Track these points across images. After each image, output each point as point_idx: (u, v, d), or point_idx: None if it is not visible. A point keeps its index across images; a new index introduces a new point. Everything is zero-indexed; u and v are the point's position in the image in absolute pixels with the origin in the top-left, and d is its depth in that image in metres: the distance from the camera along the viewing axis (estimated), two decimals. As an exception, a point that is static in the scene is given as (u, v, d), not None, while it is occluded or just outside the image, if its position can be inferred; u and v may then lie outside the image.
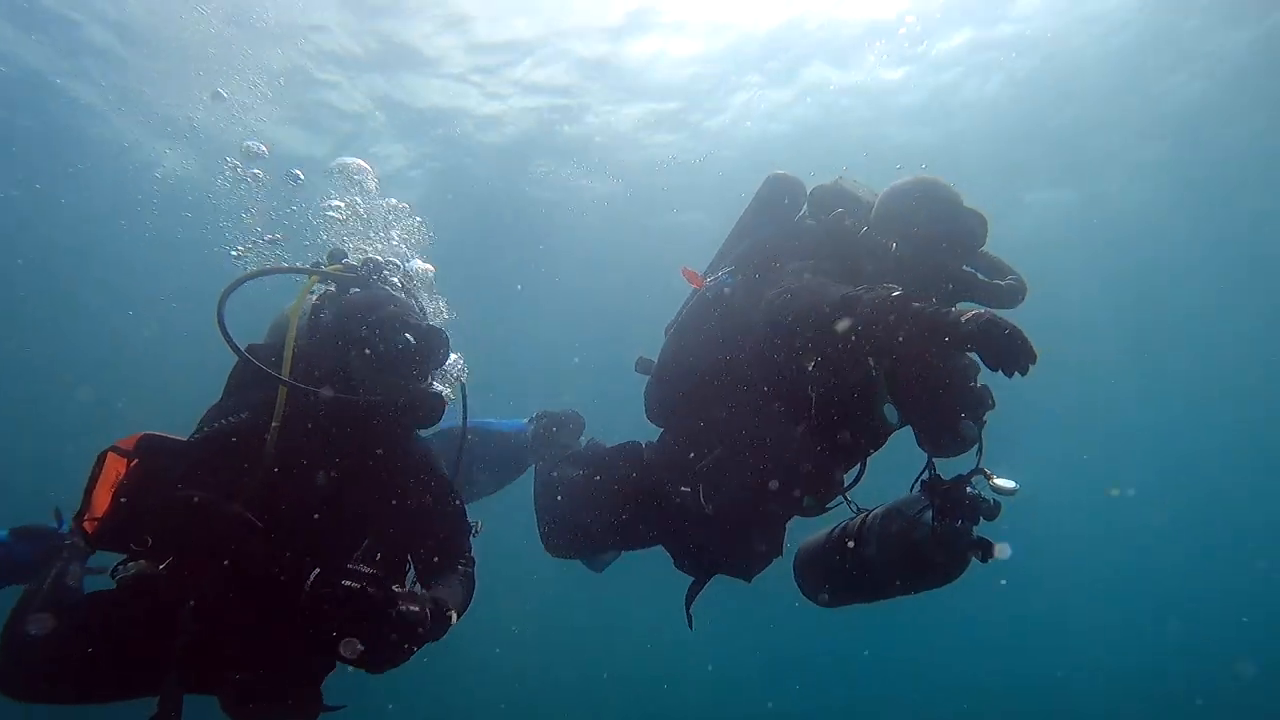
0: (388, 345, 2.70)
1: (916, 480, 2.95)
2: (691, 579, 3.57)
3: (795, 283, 2.91)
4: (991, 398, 2.93)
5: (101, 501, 2.53)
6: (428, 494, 2.88)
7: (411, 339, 2.72)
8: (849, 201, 3.28)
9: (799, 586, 3.38)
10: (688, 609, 3.55)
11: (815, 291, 2.80)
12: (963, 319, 2.42)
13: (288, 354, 2.64)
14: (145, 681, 2.51)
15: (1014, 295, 3.10)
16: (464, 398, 3.28)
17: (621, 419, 4.20)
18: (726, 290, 3.34)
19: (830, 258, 3.10)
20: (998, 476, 2.75)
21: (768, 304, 2.93)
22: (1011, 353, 2.36)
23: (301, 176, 6.06)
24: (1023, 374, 2.40)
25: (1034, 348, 2.38)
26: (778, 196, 3.45)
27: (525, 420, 4.40)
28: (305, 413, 2.62)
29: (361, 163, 4.51)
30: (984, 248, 3.17)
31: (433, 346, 2.78)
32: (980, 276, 3.16)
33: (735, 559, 3.42)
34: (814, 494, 3.19)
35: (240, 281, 2.80)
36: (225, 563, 2.27)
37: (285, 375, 2.59)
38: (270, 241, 4.99)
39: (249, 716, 2.54)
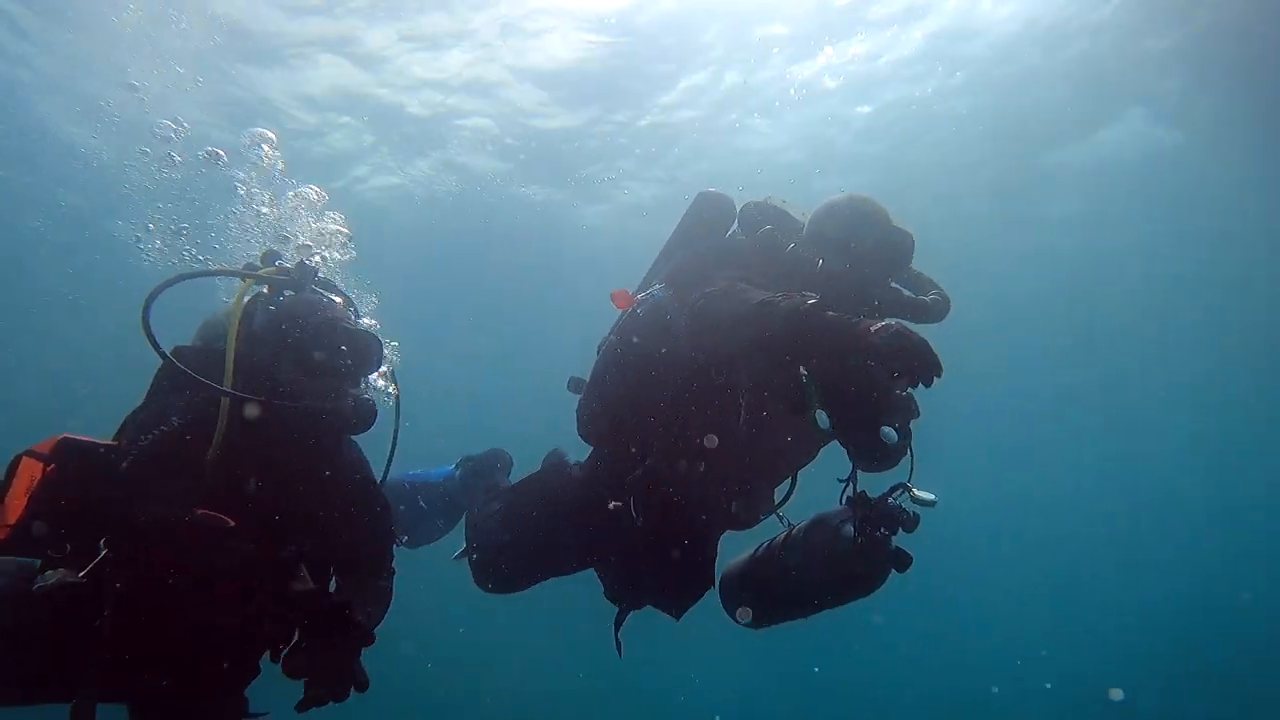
0: (320, 351, 2.66)
1: (842, 493, 3.00)
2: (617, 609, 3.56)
3: (716, 288, 2.94)
4: (916, 406, 3.00)
5: (15, 507, 2.42)
6: (356, 501, 2.84)
7: (344, 345, 2.69)
8: (778, 217, 3.32)
9: (724, 606, 3.40)
10: (616, 635, 3.54)
11: (734, 298, 2.83)
12: (871, 329, 2.49)
13: (229, 362, 2.56)
14: (55, 688, 2.41)
15: (938, 310, 3.16)
16: (397, 396, 3.24)
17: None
18: (657, 303, 3.32)
19: (759, 271, 3.13)
20: (918, 489, 2.83)
21: (689, 308, 2.96)
22: (916, 364, 2.43)
23: (223, 155, 5.84)
24: (927, 385, 2.49)
25: (939, 360, 2.45)
26: (707, 213, 3.47)
27: (451, 466, 4.34)
28: (240, 420, 2.55)
29: (270, 134, 4.38)
30: (910, 264, 3.24)
31: (366, 351, 2.75)
32: (906, 293, 3.24)
33: (665, 586, 3.40)
34: (744, 504, 3.21)
35: (169, 283, 2.68)
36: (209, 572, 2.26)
37: (228, 385, 2.52)
38: (176, 232, 4.81)
39: None
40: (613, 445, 3.36)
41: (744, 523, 3.29)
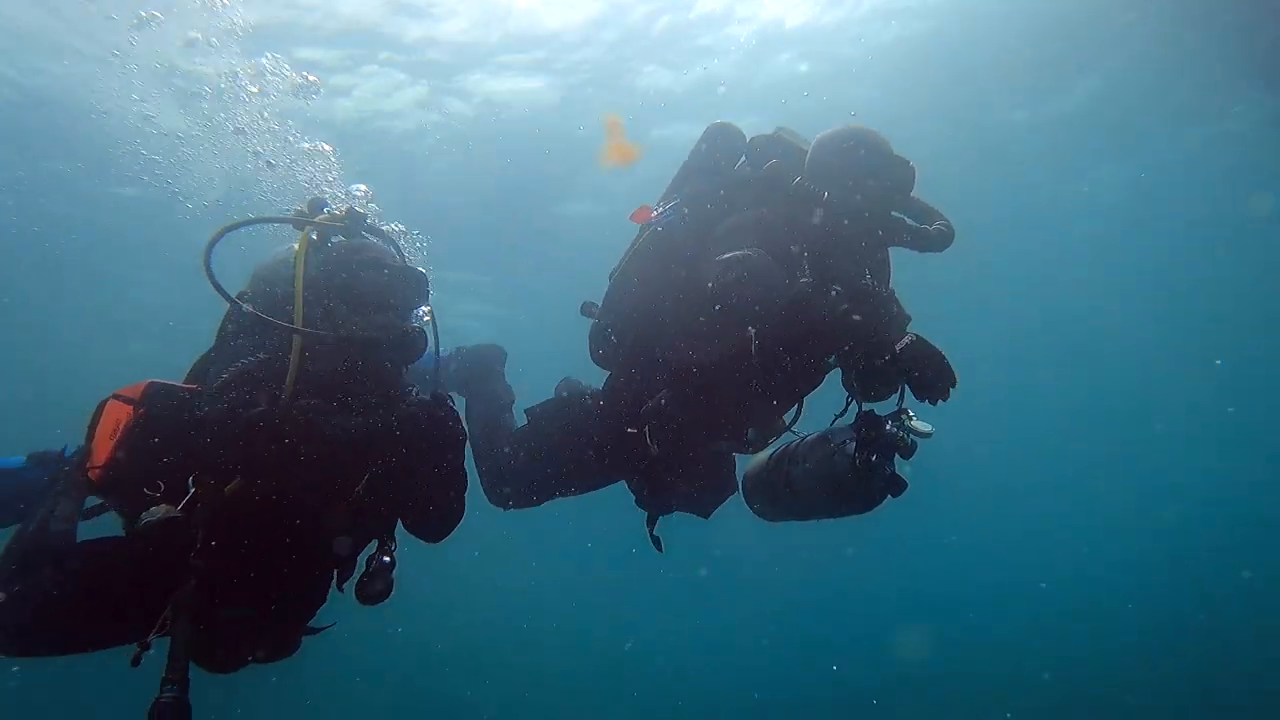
0: (366, 288, 2.82)
1: (842, 412, 3.21)
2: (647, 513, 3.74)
3: (743, 260, 2.94)
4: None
5: (103, 449, 2.59)
6: (424, 424, 2.94)
7: (387, 281, 2.86)
8: (784, 151, 3.39)
9: (745, 498, 3.65)
10: (651, 533, 3.74)
11: (765, 281, 2.92)
12: (897, 344, 2.75)
13: (299, 302, 2.71)
14: (139, 628, 2.59)
15: (942, 240, 3.25)
16: (434, 325, 3.35)
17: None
18: (669, 227, 3.41)
19: (769, 207, 3.23)
20: (917, 419, 3.01)
21: (718, 276, 2.96)
22: (934, 380, 2.71)
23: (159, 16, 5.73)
24: (944, 400, 2.75)
25: (954, 374, 2.72)
26: (717, 145, 3.51)
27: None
28: (309, 358, 2.70)
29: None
30: (911, 193, 3.30)
31: (409, 286, 2.91)
32: (909, 222, 3.32)
33: (691, 495, 3.59)
34: (757, 429, 3.39)
35: (226, 230, 2.78)
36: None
37: (298, 324, 2.66)
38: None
39: (234, 655, 2.69)
40: (626, 371, 3.48)
41: (754, 447, 3.49)
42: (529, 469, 3.72)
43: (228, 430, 2.44)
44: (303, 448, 2.51)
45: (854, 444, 3.08)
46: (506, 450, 3.80)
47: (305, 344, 2.65)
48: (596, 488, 3.77)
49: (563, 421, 3.67)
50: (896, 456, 3.04)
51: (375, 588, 2.74)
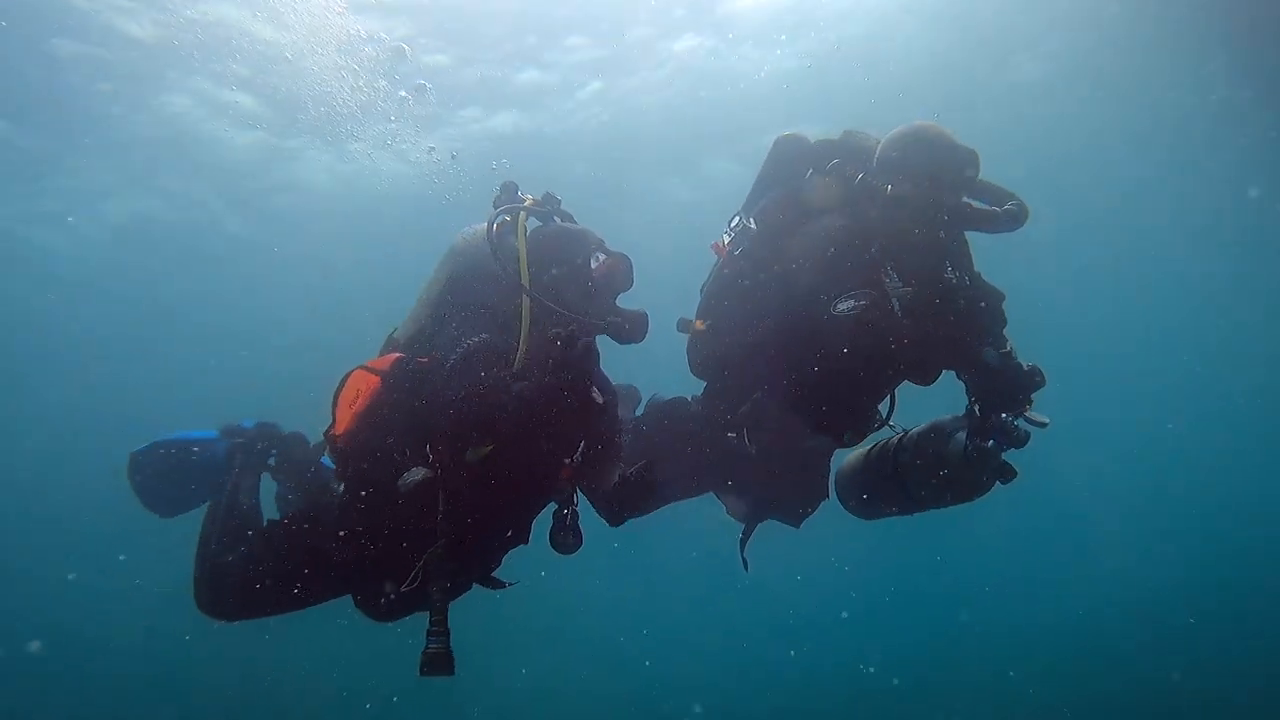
0: (602, 274, 2.98)
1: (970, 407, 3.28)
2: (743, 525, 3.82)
3: (865, 313, 3.10)
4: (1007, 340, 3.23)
5: (345, 417, 2.75)
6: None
7: (611, 264, 3.02)
8: (848, 151, 3.46)
9: (839, 497, 3.72)
10: (742, 553, 3.82)
11: (886, 332, 3.09)
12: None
13: (524, 270, 2.83)
14: (360, 584, 2.82)
15: (1012, 220, 3.19)
16: None
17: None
18: (746, 251, 3.52)
19: (835, 211, 3.33)
20: (1033, 410, 3.06)
21: (842, 332, 3.09)
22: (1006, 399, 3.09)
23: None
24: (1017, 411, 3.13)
25: (1035, 382, 3.09)
26: (784, 157, 3.59)
27: None
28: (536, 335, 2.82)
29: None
30: (981, 179, 3.30)
31: (630, 272, 3.08)
32: (976, 204, 3.30)
33: (783, 501, 3.66)
34: (852, 428, 3.46)
35: (501, 212, 3.00)
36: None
37: (525, 308, 2.80)
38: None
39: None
40: (723, 380, 3.54)
41: (851, 442, 3.55)
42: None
43: (467, 405, 2.55)
44: (527, 423, 2.61)
45: (965, 432, 3.13)
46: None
47: (536, 315, 2.78)
48: (696, 494, 3.81)
49: (666, 428, 3.68)
50: (1009, 446, 3.10)
51: (569, 540, 2.91)
